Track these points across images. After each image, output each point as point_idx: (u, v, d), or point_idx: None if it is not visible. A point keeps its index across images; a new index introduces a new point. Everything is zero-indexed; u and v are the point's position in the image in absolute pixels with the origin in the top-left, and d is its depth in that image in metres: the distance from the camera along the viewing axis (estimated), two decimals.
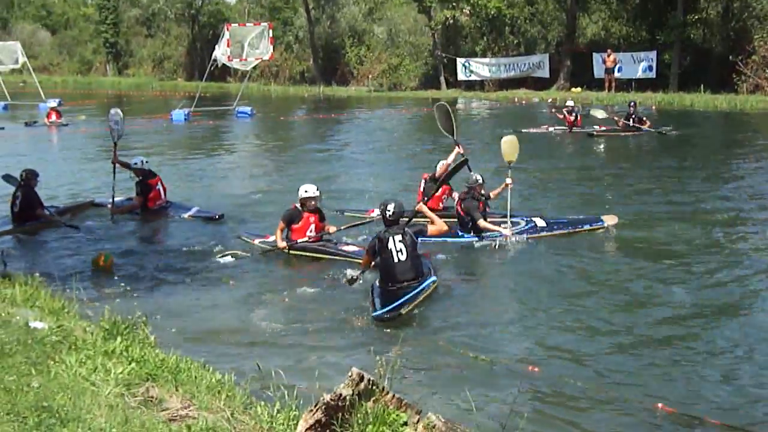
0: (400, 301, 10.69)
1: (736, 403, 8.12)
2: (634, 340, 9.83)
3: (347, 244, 14.01)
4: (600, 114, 29.66)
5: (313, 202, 13.84)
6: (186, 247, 14.55)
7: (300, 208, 13.86)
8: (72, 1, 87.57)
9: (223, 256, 13.71)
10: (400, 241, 11.44)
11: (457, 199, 15.34)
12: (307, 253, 13.72)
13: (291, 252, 13.77)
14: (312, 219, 13.83)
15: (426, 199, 14.09)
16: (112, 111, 18.41)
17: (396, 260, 11.40)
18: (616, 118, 29.25)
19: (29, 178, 16.68)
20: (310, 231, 13.79)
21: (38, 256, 14.44)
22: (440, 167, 15.72)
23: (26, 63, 52.97)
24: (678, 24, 42.08)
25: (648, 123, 28.86)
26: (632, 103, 29.91)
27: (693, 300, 11.26)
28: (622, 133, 28.57)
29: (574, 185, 20.22)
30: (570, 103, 31.17)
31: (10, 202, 16.63)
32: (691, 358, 9.27)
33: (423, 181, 16.07)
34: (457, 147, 15.82)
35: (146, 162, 17.81)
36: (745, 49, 40.72)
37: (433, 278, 11.63)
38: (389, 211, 11.61)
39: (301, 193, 13.83)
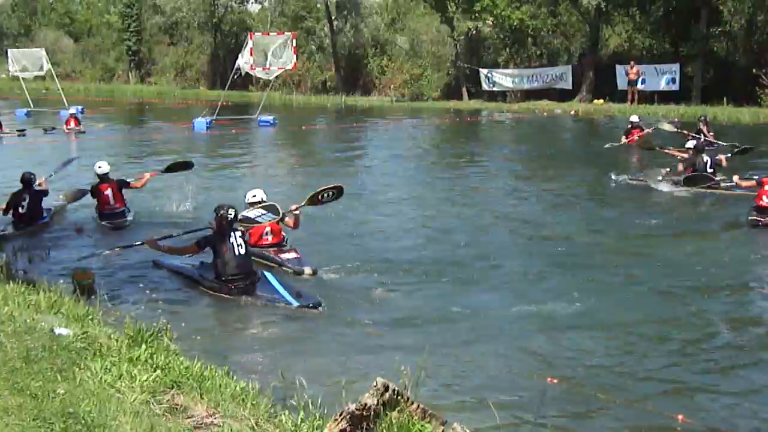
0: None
1: (760, 419, 8.09)
2: (658, 353, 9.81)
3: (290, 250, 13.90)
4: (668, 127, 28.24)
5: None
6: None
7: None
8: (95, 8, 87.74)
9: None
10: (239, 236, 12.26)
11: None
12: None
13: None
14: None
15: None
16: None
17: (237, 254, 12.14)
18: (685, 132, 27.77)
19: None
20: (266, 233, 13.97)
21: (56, 261, 14.46)
22: None
23: (50, 70, 53.16)
24: (701, 37, 41.96)
25: (712, 136, 26.86)
26: (703, 118, 28.18)
27: (729, 316, 11.24)
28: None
29: None
30: (634, 118, 29.32)
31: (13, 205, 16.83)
32: (719, 374, 9.23)
33: None
34: None
35: (101, 167, 17.77)
36: None
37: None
38: (230, 214, 12.25)
39: (248, 199, 14.13)
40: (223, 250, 12.12)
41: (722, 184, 19.52)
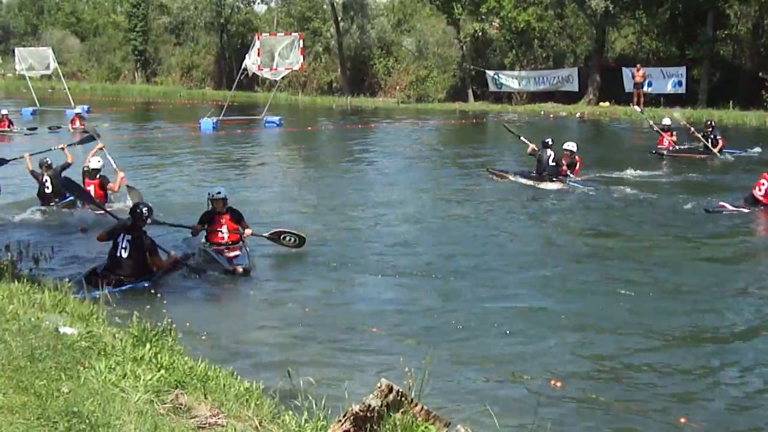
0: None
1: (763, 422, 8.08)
2: (661, 356, 9.78)
3: (235, 249, 14.10)
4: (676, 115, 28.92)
5: (219, 204, 14.33)
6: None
7: (212, 209, 14.44)
8: (101, 8, 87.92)
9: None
10: (128, 240, 12.39)
11: None
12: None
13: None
14: (223, 220, 14.29)
15: None
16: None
17: (118, 255, 12.38)
18: (693, 129, 27.74)
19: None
20: (222, 231, 14.21)
21: (63, 259, 14.46)
22: None
23: (57, 69, 53.20)
24: (708, 40, 41.91)
25: (721, 143, 26.73)
26: (710, 122, 28.00)
27: (734, 317, 11.22)
28: (697, 156, 26.75)
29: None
30: (666, 121, 29.18)
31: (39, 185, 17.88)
32: (720, 376, 9.22)
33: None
34: None
35: (90, 163, 18.24)
36: None
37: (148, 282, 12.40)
38: (144, 212, 12.69)
39: (212, 195, 14.45)
40: (112, 245, 12.52)
41: (569, 182, 21.43)
